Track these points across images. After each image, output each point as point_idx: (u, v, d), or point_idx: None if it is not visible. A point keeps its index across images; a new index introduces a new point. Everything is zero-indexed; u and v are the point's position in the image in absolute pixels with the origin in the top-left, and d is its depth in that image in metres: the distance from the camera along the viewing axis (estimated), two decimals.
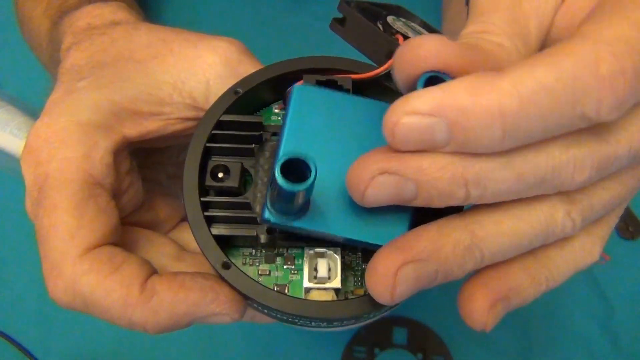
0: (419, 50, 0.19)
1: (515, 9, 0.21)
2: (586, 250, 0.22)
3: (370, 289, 0.21)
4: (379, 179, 0.19)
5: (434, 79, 0.19)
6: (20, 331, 0.50)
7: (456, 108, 0.17)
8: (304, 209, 0.22)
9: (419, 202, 0.20)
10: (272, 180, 0.20)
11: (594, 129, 0.19)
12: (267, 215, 0.22)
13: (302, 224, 0.22)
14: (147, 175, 0.30)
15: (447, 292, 0.53)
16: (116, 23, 0.30)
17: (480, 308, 0.21)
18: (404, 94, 0.19)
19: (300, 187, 0.19)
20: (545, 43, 0.22)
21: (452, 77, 0.19)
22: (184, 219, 0.31)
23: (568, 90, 0.17)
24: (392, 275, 0.20)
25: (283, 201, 0.21)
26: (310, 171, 0.19)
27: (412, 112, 0.18)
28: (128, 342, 0.50)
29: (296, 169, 0.19)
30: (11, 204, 0.56)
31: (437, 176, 0.19)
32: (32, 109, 0.54)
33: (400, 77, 0.20)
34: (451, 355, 0.50)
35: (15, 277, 0.53)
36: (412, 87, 0.20)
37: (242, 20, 0.62)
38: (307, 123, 0.23)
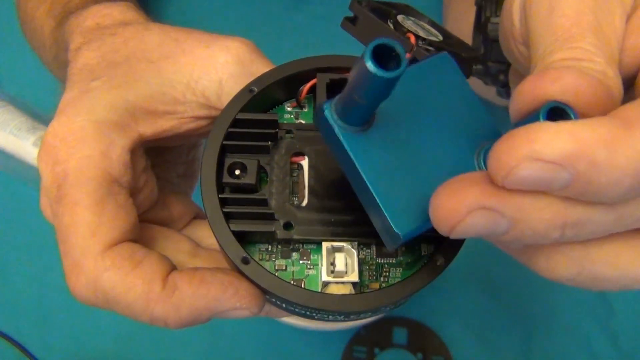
0: (557, 82, 0.18)
1: (600, 33, 0.20)
2: None
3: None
4: (475, 214, 0.17)
5: (556, 110, 0.17)
6: (20, 331, 0.50)
7: (589, 162, 0.15)
8: (371, 120, 0.21)
9: (505, 238, 0.18)
10: (358, 76, 0.18)
11: None
12: (341, 131, 0.20)
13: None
14: (158, 174, 0.30)
15: (447, 292, 0.54)
16: (126, 23, 0.30)
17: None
18: (515, 121, 0.17)
19: (393, 74, 0.17)
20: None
21: (576, 113, 0.17)
22: (197, 216, 0.31)
23: None
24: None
25: (366, 97, 0.19)
26: (401, 61, 0.17)
27: (536, 159, 0.16)
28: (128, 342, 0.50)
29: (383, 62, 0.17)
30: (11, 204, 0.56)
31: (536, 217, 0.17)
32: (32, 109, 0.54)
33: (521, 103, 0.19)
34: (451, 355, 0.50)
35: (15, 277, 0.53)
36: (525, 115, 0.18)
37: (242, 20, 0.62)
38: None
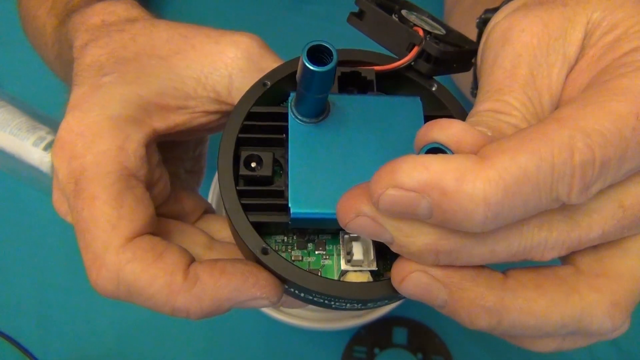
0: (445, 131, 0.20)
1: (530, 87, 0.22)
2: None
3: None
4: (360, 219, 0.20)
5: (435, 150, 0.19)
6: (20, 331, 0.50)
7: (440, 191, 0.18)
8: (325, 110, 0.25)
9: (393, 249, 0.21)
10: (300, 71, 0.22)
11: (567, 210, 0.20)
12: (291, 118, 0.25)
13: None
14: (167, 170, 0.30)
15: None
16: (132, 20, 0.30)
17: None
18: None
19: (324, 68, 0.21)
20: None
21: (452, 152, 0.19)
22: (206, 211, 0.32)
23: (547, 177, 0.18)
24: (406, 273, 0.21)
25: (309, 92, 0.23)
26: (332, 58, 0.22)
27: (397, 186, 0.18)
28: (128, 342, 0.50)
29: (318, 60, 0.22)
30: (11, 204, 0.56)
31: (410, 241, 0.20)
32: (32, 109, 0.54)
33: (416, 142, 0.21)
34: (451, 355, 0.50)
35: (15, 277, 0.53)
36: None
37: (242, 19, 0.62)
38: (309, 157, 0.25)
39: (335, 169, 0.24)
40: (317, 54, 0.22)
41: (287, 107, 0.25)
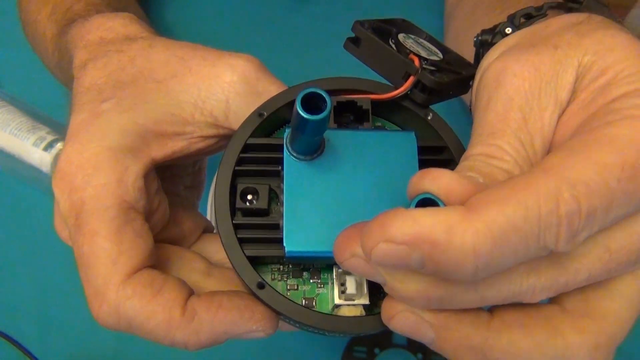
0: (436, 182, 0.20)
1: (522, 130, 0.22)
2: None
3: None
4: (355, 260, 0.21)
5: (427, 200, 0.20)
6: (20, 331, 0.50)
7: (430, 244, 0.18)
8: (321, 149, 0.26)
9: (386, 290, 0.22)
10: (294, 117, 0.23)
11: (554, 256, 0.20)
12: (287, 155, 0.25)
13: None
14: (166, 189, 0.30)
15: None
16: (130, 38, 0.30)
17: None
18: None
19: (318, 117, 0.22)
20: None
21: (444, 204, 0.20)
22: (205, 229, 0.32)
23: (534, 227, 0.18)
24: (395, 312, 0.22)
25: (303, 135, 0.23)
26: (326, 105, 0.22)
27: (389, 240, 0.18)
28: (128, 342, 0.50)
29: (313, 107, 0.22)
30: (11, 204, 0.56)
31: (403, 286, 0.20)
32: (32, 109, 0.54)
33: (409, 191, 0.21)
34: None
35: (16, 277, 0.53)
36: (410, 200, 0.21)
37: (242, 20, 0.62)
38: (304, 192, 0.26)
39: (330, 207, 0.25)
40: (311, 100, 0.22)
41: (283, 140, 0.26)
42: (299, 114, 0.22)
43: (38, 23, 0.42)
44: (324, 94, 0.22)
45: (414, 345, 0.50)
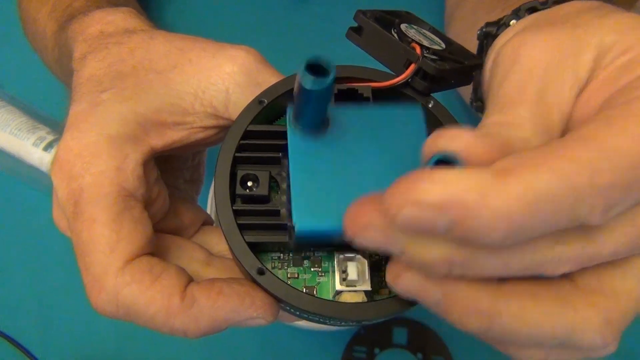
0: (454, 141, 0.19)
1: (541, 102, 0.21)
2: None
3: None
4: (367, 232, 0.20)
5: (444, 162, 0.19)
6: (20, 331, 0.50)
7: (463, 207, 0.17)
8: (325, 122, 0.25)
9: (402, 260, 0.21)
10: (297, 87, 0.22)
11: (583, 228, 0.19)
12: (290, 131, 0.25)
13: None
14: (166, 181, 0.30)
15: None
16: (130, 31, 0.30)
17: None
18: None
19: (322, 86, 0.21)
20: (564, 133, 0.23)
21: (462, 162, 0.19)
22: (205, 222, 0.32)
23: (569, 197, 0.17)
24: (401, 271, 0.21)
25: (308, 104, 0.23)
26: (331, 72, 0.21)
27: (417, 203, 0.17)
28: (128, 342, 0.50)
29: (317, 73, 0.21)
30: (11, 204, 0.56)
31: (423, 254, 0.19)
32: (32, 109, 0.54)
33: (424, 153, 0.20)
34: (451, 355, 0.50)
35: (15, 277, 0.53)
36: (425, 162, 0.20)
37: (242, 20, 0.62)
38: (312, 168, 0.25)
39: (339, 182, 0.24)
40: (315, 68, 0.21)
41: (286, 121, 0.25)
42: (305, 79, 0.21)
43: (38, 21, 0.42)
44: (328, 61, 0.21)
45: (414, 345, 0.50)
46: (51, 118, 0.53)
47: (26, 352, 0.49)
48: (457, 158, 0.19)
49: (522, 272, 0.20)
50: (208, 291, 0.25)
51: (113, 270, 0.24)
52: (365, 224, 0.19)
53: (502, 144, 0.20)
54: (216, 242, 0.30)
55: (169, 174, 0.32)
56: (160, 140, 0.27)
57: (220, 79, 0.28)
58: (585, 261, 0.20)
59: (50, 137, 0.50)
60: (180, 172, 0.34)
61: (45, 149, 0.49)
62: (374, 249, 0.20)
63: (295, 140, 0.25)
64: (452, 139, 0.19)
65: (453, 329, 0.57)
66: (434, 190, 0.17)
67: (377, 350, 0.50)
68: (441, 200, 0.17)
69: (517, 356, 0.23)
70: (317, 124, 0.25)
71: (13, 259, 0.53)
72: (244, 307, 0.25)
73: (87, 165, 0.25)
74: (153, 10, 0.62)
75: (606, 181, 0.17)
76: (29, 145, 0.50)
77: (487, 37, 0.28)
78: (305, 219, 0.23)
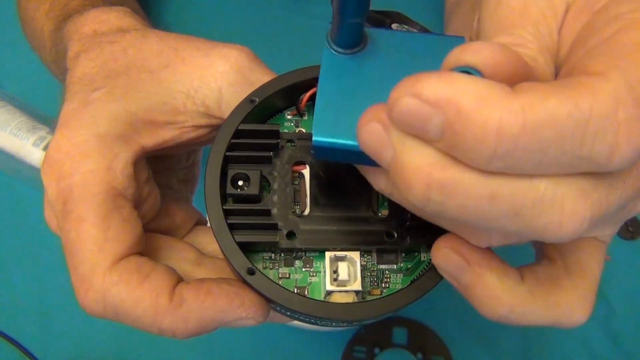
0: (479, 53, 0.18)
1: (542, 24, 0.21)
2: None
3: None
4: (371, 125, 0.19)
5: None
6: (20, 331, 0.50)
7: (457, 108, 0.16)
8: (362, 42, 0.24)
9: (390, 175, 0.19)
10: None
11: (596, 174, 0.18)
12: (326, 51, 0.23)
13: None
14: (159, 181, 0.30)
15: (447, 292, 0.54)
16: (124, 30, 0.30)
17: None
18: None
19: None
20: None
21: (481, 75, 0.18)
22: (198, 222, 0.32)
23: (579, 129, 0.16)
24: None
25: (345, 14, 0.21)
26: None
27: (415, 95, 0.17)
28: (128, 342, 0.50)
29: None
30: (11, 204, 0.56)
31: (407, 158, 0.18)
32: (32, 109, 0.54)
33: (444, 67, 0.19)
34: (451, 355, 0.50)
35: (15, 277, 0.53)
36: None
37: (242, 19, 0.62)
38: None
39: (363, 102, 0.22)
40: None
41: (279, 119, 0.25)
42: None
43: (36, 20, 0.42)
44: None
45: (414, 345, 0.50)
46: (51, 118, 0.53)
47: (26, 352, 0.49)
48: (482, 73, 0.18)
49: (509, 209, 0.17)
50: (197, 291, 0.25)
51: (101, 269, 0.24)
52: (371, 117, 0.19)
53: (522, 59, 0.19)
54: (208, 242, 0.30)
55: (162, 174, 0.32)
56: (152, 139, 0.27)
57: (213, 78, 0.28)
58: (597, 214, 0.18)
59: (50, 137, 0.50)
60: (174, 172, 0.34)
61: (45, 149, 0.49)
62: (371, 151, 0.19)
63: (329, 57, 0.23)
64: (477, 51, 0.18)
65: (453, 329, 0.57)
66: (434, 86, 0.16)
67: (377, 350, 0.50)
68: (437, 98, 0.16)
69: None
70: (353, 41, 0.23)
71: (13, 259, 0.53)
72: (233, 307, 0.25)
73: (76, 164, 0.25)
74: (152, 11, 0.62)
75: (630, 115, 0.16)
76: (29, 145, 0.50)
77: None
78: (323, 131, 0.22)
